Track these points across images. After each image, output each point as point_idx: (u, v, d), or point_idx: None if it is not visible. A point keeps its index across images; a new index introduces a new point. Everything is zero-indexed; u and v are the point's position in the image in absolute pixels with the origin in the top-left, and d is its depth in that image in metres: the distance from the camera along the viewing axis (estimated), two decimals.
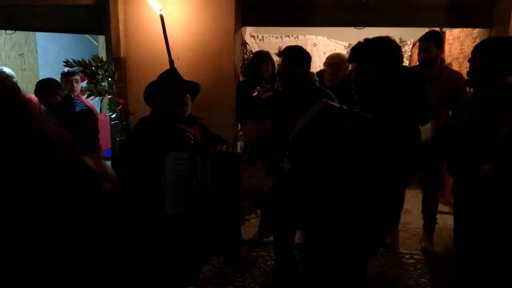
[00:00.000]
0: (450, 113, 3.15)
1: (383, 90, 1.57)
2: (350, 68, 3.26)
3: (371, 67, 1.62)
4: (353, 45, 1.72)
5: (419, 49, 3.16)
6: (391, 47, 1.63)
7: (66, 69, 3.63)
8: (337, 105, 1.71)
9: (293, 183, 1.66)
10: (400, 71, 1.68)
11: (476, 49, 2.29)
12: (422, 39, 3.15)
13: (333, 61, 3.42)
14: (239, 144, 3.95)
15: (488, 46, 2.25)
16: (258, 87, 3.03)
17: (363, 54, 1.65)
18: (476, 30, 4.03)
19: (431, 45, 3.05)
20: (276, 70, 3.32)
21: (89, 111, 3.44)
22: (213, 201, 2.06)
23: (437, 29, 4.08)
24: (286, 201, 1.74)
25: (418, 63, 3.26)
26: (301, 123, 1.65)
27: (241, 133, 3.62)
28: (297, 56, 2.54)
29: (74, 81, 3.86)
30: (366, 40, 1.66)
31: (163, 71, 2.36)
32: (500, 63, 2.15)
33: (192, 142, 2.09)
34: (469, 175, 2.17)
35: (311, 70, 2.67)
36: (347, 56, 3.18)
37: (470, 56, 2.34)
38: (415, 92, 1.60)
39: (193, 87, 2.33)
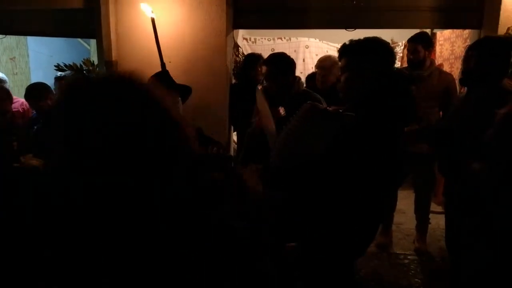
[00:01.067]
0: (441, 113, 3.17)
1: (372, 90, 1.58)
2: None
3: (357, 64, 1.63)
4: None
5: (408, 50, 3.17)
6: (378, 46, 1.64)
7: (59, 73, 3.59)
8: (322, 106, 1.72)
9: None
10: (390, 72, 1.69)
11: (471, 48, 2.28)
12: (410, 40, 3.16)
13: (324, 63, 3.43)
14: (233, 147, 3.95)
15: (483, 45, 2.24)
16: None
17: (350, 52, 1.66)
18: (467, 31, 4.06)
19: (419, 46, 3.07)
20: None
21: None
22: None
23: (428, 30, 4.11)
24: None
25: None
26: (284, 136, 1.66)
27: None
28: (280, 64, 2.58)
29: None
30: (354, 39, 1.67)
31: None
32: (494, 63, 2.13)
33: None
34: (463, 175, 2.17)
35: (306, 72, 2.68)
36: None
37: (461, 57, 2.34)
38: (403, 94, 1.61)
39: (184, 90, 2.32)
